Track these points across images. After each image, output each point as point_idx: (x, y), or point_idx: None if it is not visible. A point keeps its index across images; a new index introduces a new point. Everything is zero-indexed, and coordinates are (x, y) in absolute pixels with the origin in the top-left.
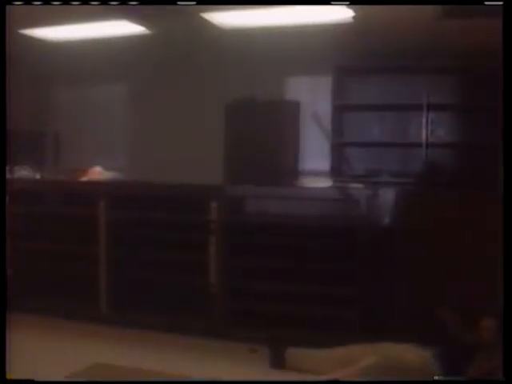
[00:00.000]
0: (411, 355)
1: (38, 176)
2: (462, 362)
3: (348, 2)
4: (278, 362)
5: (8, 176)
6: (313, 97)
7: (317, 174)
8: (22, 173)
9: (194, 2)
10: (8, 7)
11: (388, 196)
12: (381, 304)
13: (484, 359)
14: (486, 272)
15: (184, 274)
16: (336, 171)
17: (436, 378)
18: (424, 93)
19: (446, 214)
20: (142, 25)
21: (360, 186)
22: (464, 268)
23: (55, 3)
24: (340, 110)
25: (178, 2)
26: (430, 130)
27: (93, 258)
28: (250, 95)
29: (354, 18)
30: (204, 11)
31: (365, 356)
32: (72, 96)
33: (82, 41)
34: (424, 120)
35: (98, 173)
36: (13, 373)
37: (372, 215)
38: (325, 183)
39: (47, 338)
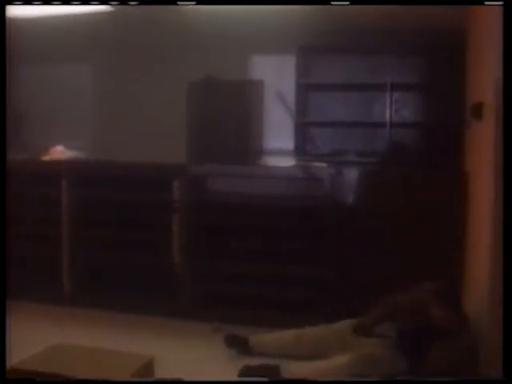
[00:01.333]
0: (381, 349)
1: None
2: (422, 351)
3: (348, 2)
4: (243, 349)
5: None
6: (277, 76)
7: (281, 153)
8: None
9: (194, 2)
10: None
11: (352, 175)
12: (346, 283)
13: (440, 349)
14: (448, 253)
15: (147, 254)
16: (300, 150)
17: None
18: (388, 72)
19: (409, 192)
20: (104, 3)
21: (324, 165)
22: (427, 247)
23: (55, 3)
24: (304, 90)
25: (178, 2)
26: (394, 109)
27: (55, 239)
28: (213, 74)
29: None
30: None
31: (328, 338)
32: (33, 74)
33: (43, 18)
34: (388, 100)
35: (60, 152)
36: None
37: (336, 194)
38: (289, 162)
39: (9, 320)
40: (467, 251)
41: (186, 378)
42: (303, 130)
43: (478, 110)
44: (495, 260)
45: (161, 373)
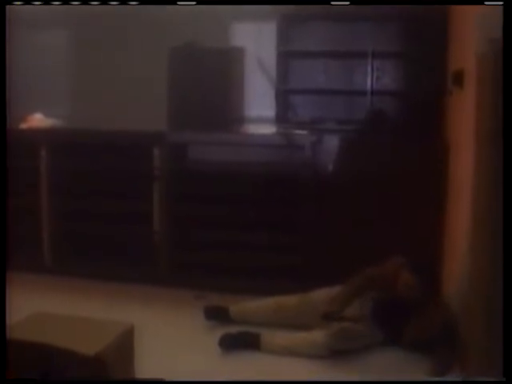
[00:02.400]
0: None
1: None
2: (397, 323)
3: (348, 2)
4: (223, 319)
5: None
6: (258, 43)
7: (262, 120)
8: None
9: (194, 2)
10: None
11: (333, 143)
12: (324, 250)
13: (415, 321)
14: (427, 223)
15: (127, 223)
16: (281, 118)
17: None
18: (369, 40)
19: (390, 161)
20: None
21: (305, 132)
22: (407, 216)
23: (55, 3)
24: (285, 57)
25: (178, 2)
26: (375, 77)
27: (35, 208)
28: (194, 41)
29: None
30: None
31: (306, 308)
32: (10, 41)
33: None
34: (369, 68)
35: (38, 120)
36: None
37: (317, 162)
38: (270, 130)
39: None
40: (447, 222)
41: (167, 347)
42: (284, 97)
43: (459, 78)
44: (475, 233)
45: (141, 341)
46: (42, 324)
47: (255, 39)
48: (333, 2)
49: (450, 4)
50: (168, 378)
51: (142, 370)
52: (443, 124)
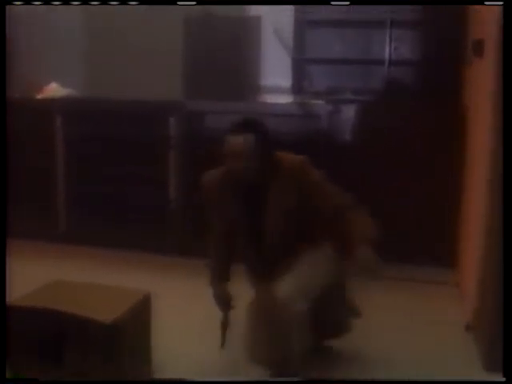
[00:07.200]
0: None
1: None
2: None
3: (348, 2)
4: None
5: None
6: (275, 12)
7: (278, 90)
8: None
9: (194, 2)
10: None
11: (349, 113)
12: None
13: None
14: (445, 191)
15: (144, 191)
16: (297, 88)
17: None
18: (388, 9)
19: (407, 131)
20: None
21: (322, 102)
22: (424, 185)
23: (55, 3)
24: (302, 26)
25: (178, 2)
26: (393, 47)
27: (52, 176)
28: (210, 9)
29: None
30: None
31: None
32: (26, 12)
33: None
34: (387, 37)
35: (53, 90)
36: None
37: (333, 132)
38: (286, 99)
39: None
40: (464, 188)
41: (183, 313)
42: (301, 67)
43: (478, 47)
44: (493, 195)
45: (158, 309)
46: (59, 292)
47: (272, 7)
48: (333, 2)
49: (450, 4)
50: (182, 346)
51: (158, 339)
52: (462, 94)
